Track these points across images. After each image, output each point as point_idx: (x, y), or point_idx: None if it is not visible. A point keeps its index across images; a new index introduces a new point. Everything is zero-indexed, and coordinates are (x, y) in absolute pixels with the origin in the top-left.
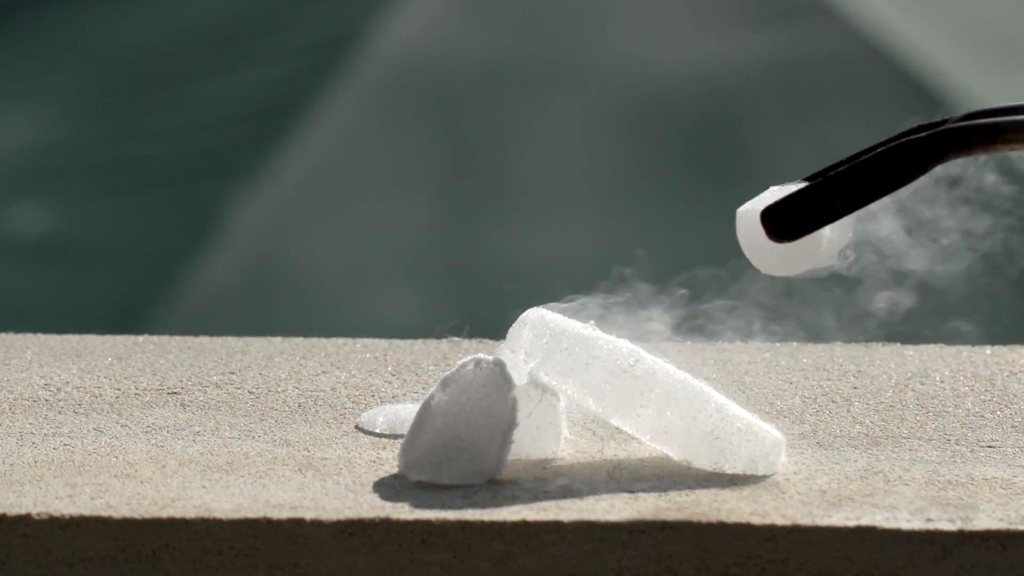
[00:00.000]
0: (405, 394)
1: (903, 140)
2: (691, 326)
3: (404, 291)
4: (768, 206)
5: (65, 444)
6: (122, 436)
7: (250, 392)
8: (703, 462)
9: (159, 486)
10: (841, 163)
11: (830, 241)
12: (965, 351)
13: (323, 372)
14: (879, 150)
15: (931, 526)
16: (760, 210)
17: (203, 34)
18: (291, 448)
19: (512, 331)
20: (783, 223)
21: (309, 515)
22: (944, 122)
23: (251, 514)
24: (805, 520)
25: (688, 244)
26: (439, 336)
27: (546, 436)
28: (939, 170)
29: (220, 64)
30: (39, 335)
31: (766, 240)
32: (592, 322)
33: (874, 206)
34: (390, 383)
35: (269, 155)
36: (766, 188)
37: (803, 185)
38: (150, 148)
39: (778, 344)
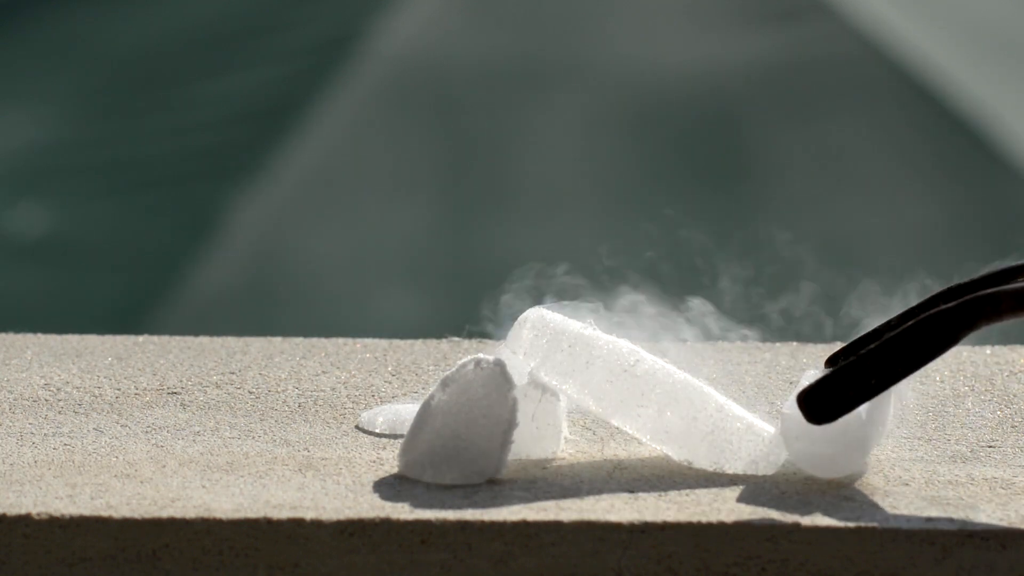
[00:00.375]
0: (405, 394)
1: (931, 312)
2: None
3: (404, 291)
4: (804, 389)
5: (65, 444)
6: (122, 436)
7: (250, 392)
8: (703, 462)
9: (159, 486)
10: (867, 336)
11: (868, 434)
12: (965, 351)
13: (323, 372)
14: (908, 324)
15: (931, 526)
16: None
17: (203, 34)
18: (291, 448)
19: (512, 331)
20: (820, 405)
21: (309, 515)
22: (966, 285)
23: (251, 514)
24: (805, 520)
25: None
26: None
27: (546, 436)
28: None
29: (220, 64)
30: (39, 335)
31: (814, 444)
32: (592, 322)
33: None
34: (390, 383)
35: (269, 155)
36: (766, 188)
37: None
38: (150, 148)
39: (778, 344)
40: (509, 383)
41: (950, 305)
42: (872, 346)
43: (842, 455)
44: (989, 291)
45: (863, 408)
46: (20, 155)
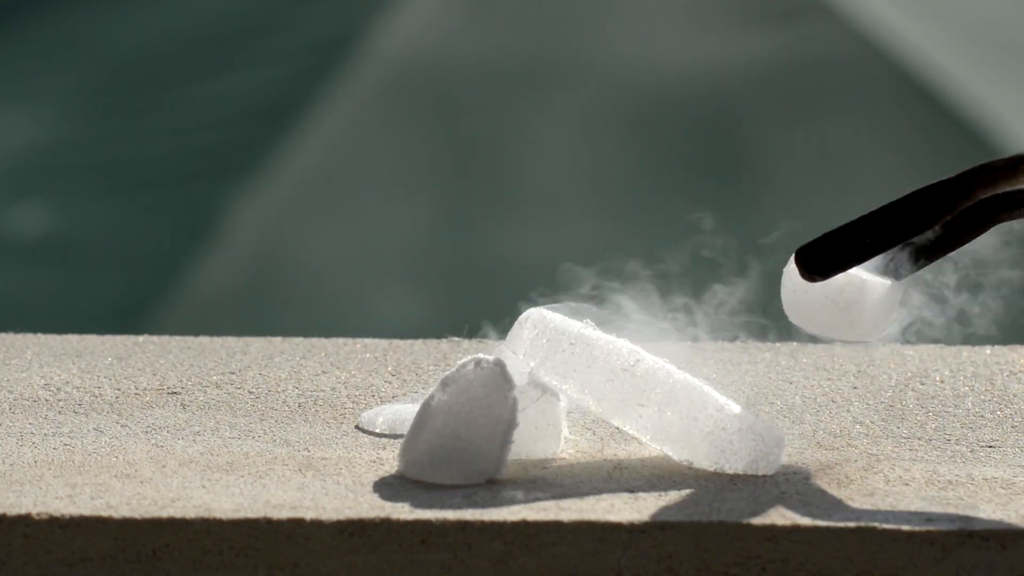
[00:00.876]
0: (405, 394)
1: (931, 183)
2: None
3: (404, 291)
4: (803, 245)
5: (65, 444)
6: (122, 436)
7: (250, 392)
8: (703, 462)
9: (159, 486)
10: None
11: (874, 314)
12: (965, 351)
13: (323, 372)
14: (909, 193)
15: (931, 526)
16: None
17: (203, 34)
18: (291, 448)
19: (512, 331)
20: (815, 260)
21: (309, 515)
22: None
23: (251, 514)
24: (805, 520)
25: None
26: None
27: (546, 436)
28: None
29: (220, 64)
30: (39, 335)
31: (809, 298)
32: (591, 322)
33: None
34: (390, 383)
35: (269, 155)
36: (765, 187)
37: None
38: (150, 148)
39: (778, 344)
40: (509, 383)
41: (950, 176)
42: (872, 210)
43: (838, 316)
44: (987, 162)
45: (864, 276)
46: (20, 155)
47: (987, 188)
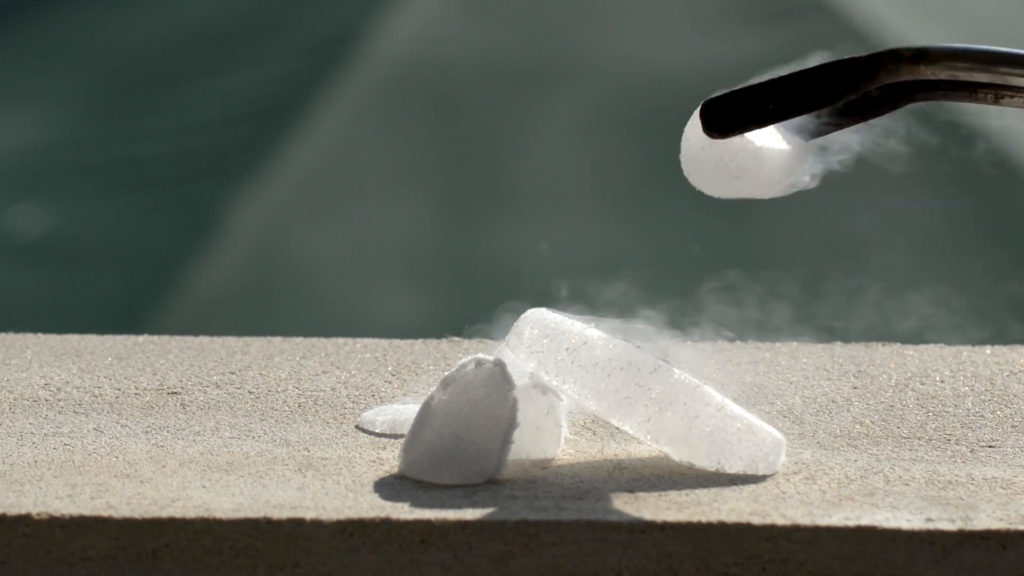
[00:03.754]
0: (405, 394)
1: (841, 58)
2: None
3: (404, 291)
4: (707, 100)
5: (65, 444)
6: (122, 436)
7: (250, 392)
8: (703, 462)
9: (159, 486)
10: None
11: (768, 178)
12: (965, 351)
13: (323, 372)
14: (817, 64)
15: (931, 526)
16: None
17: (203, 34)
18: (291, 448)
19: (512, 331)
20: (717, 117)
21: (309, 515)
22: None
23: (251, 514)
24: (805, 520)
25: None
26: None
27: (546, 436)
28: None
29: (220, 64)
30: (39, 335)
31: (709, 155)
32: (592, 322)
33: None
34: (390, 383)
35: (269, 155)
36: None
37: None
38: (150, 148)
39: (778, 344)
40: (509, 383)
41: (858, 55)
42: (780, 76)
43: (729, 180)
44: (895, 48)
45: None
46: (20, 155)
47: (891, 75)
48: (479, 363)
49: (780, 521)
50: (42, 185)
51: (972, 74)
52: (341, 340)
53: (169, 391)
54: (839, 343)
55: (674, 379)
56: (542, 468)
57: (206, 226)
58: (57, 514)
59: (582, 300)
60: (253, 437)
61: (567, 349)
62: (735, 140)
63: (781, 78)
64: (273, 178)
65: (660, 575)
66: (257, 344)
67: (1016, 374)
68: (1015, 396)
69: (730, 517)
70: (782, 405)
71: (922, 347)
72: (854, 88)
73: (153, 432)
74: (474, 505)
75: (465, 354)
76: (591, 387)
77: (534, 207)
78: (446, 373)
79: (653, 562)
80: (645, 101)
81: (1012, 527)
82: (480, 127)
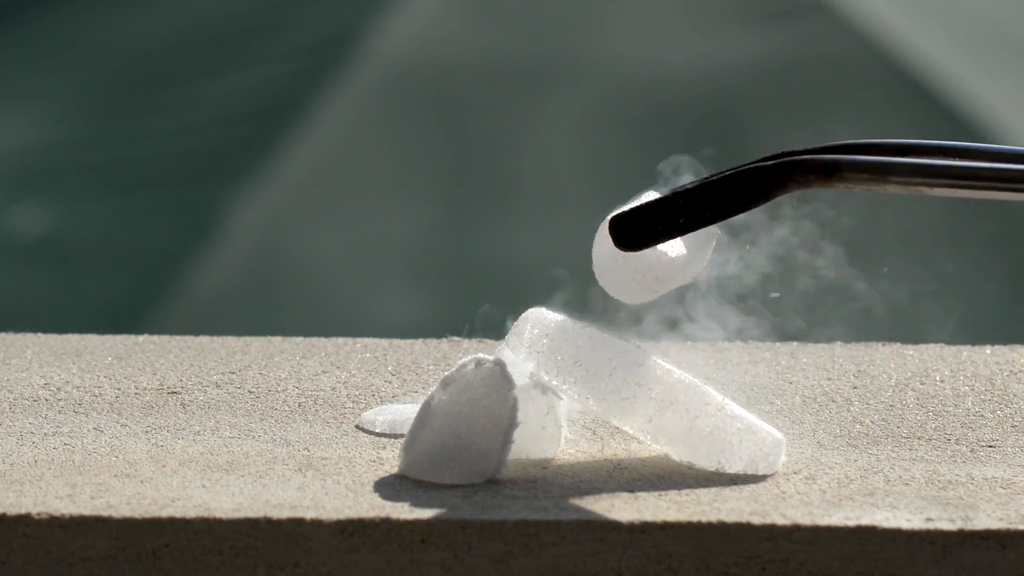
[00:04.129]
0: (405, 394)
1: (749, 165)
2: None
3: (404, 291)
4: (616, 215)
5: (65, 444)
6: (122, 436)
7: (250, 392)
8: (703, 462)
9: (159, 486)
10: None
11: (682, 280)
12: (965, 351)
13: (323, 372)
14: (725, 172)
15: (931, 526)
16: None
17: (203, 34)
18: (291, 448)
19: (512, 331)
20: (628, 233)
21: (309, 515)
22: (792, 154)
23: (251, 514)
24: (805, 520)
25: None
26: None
27: (546, 436)
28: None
29: (220, 64)
30: (39, 335)
31: (617, 262)
32: (592, 322)
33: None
34: (390, 383)
35: (269, 155)
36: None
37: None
38: (150, 148)
39: (778, 344)
40: (509, 383)
41: (768, 162)
42: (688, 186)
43: (645, 290)
44: (804, 156)
45: (672, 251)
46: (20, 155)
47: (800, 186)
48: (479, 363)
49: (780, 521)
50: (42, 185)
51: (886, 187)
52: (341, 340)
53: (169, 391)
54: (839, 343)
55: (674, 379)
56: (542, 468)
57: (206, 226)
58: (57, 514)
59: (582, 300)
60: (253, 437)
61: (567, 349)
62: (648, 252)
63: (689, 190)
64: (273, 178)
65: (660, 575)
66: (257, 344)
67: (1016, 374)
68: (1015, 396)
69: (730, 517)
70: (782, 405)
71: (922, 347)
72: (764, 198)
73: (153, 432)
74: (474, 505)
75: (465, 354)
76: (591, 387)
77: (534, 207)
78: (446, 373)
79: (653, 562)
80: (645, 101)
81: (1012, 527)
82: (480, 127)
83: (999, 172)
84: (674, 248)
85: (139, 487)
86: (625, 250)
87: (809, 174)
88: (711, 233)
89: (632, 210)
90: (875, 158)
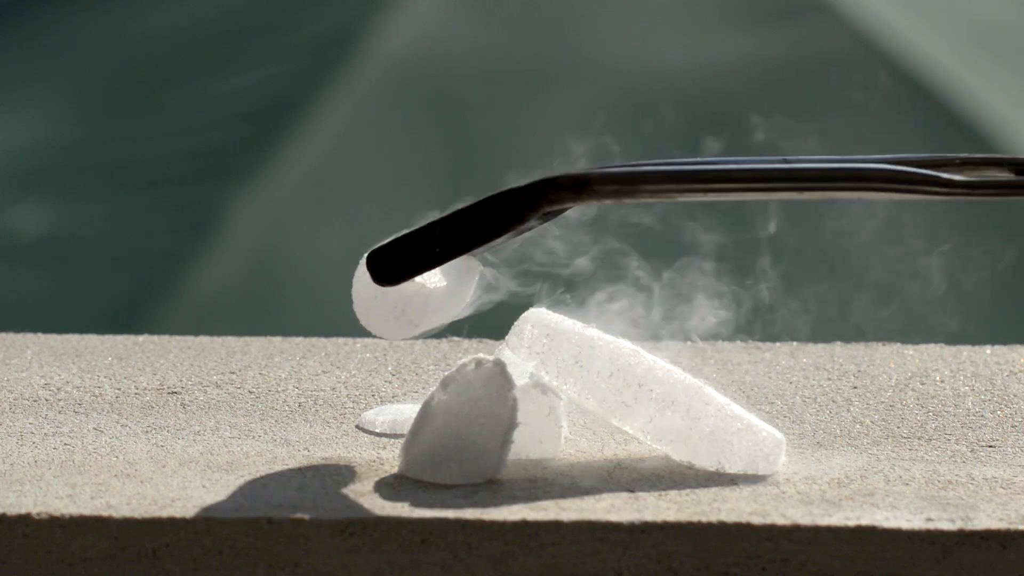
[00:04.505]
0: (405, 394)
1: (501, 190)
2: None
3: None
4: (373, 250)
5: (65, 444)
6: (122, 436)
7: (250, 392)
8: (704, 462)
9: (159, 486)
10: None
11: (443, 316)
12: (965, 351)
13: (323, 372)
14: (479, 199)
15: (931, 526)
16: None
17: (203, 34)
18: (291, 448)
19: (512, 331)
20: (385, 268)
21: (309, 515)
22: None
23: (251, 514)
24: (805, 520)
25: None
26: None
27: (546, 436)
28: None
29: (220, 64)
30: (39, 335)
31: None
32: (592, 322)
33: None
34: (390, 383)
35: (269, 155)
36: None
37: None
38: (150, 148)
39: (778, 344)
40: (509, 383)
41: (520, 184)
42: (442, 216)
43: (406, 327)
44: (554, 175)
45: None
46: (20, 155)
47: (553, 204)
48: (479, 363)
49: (780, 521)
50: (42, 185)
51: (639, 197)
52: (341, 340)
53: (169, 391)
54: (839, 343)
55: (674, 379)
56: (542, 468)
57: (206, 226)
58: (57, 514)
59: (582, 300)
60: (253, 437)
61: (567, 349)
62: (406, 286)
63: (444, 219)
64: (273, 178)
65: (660, 575)
66: (257, 344)
67: (1016, 374)
68: (1015, 396)
69: (730, 517)
70: (782, 405)
71: (922, 347)
72: (519, 220)
73: (153, 432)
74: (474, 505)
75: (465, 354)
76: (591, 387)
77: None
78: (446, 373)
79: (653, 562)
80: (645, 101)
81: (1012, 527)
82: (480, 127)
83: (751, 172)
84: (433, 281)
85: (139, 487)
86: (383, 285)
87: (560, 191)
88: (471, 266)
89: (388, 244)
90: (623, 169)
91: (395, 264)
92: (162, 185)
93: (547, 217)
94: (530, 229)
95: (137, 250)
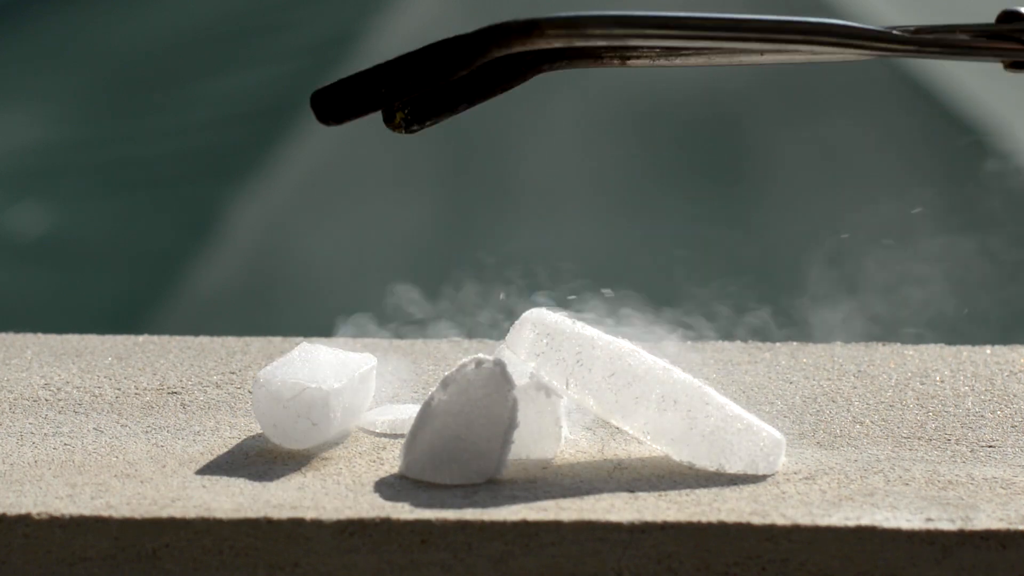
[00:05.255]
0: (405, 394)
1: (451, 36)
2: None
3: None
4: (316, 90)
5: (65, 444)
6: (122, 436)
7: (250, 392)
8: (704, 462)
9: (159, 486)
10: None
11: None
12: (965, 351)
13: None
14: (428, 44)
15: (931, 526)
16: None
17: (203, 34)
18: (291, 448)
19: (512, 331)
20: (329, 106)
21: (309, 515)
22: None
23: (251, 514)
24: (805, 520)
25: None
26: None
27: (546, 436)
28: None
29: (220, 64)
30: (39, 335)
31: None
32: (592, 322)
33: None
34: (390, 383)
35: (269, 155)
36: (764, 186)
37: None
38: (150, 148)
39: (778, 344)
40: (509, 383)
41: (467, 32)
42: (390, 59)
43: (306, 431)
44: (503, 22)
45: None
46: (20, 155)
47: (502, 48)
48: (479, 363)
49: (780, 521)
50: (42, 185)
51: (590, 40)
52: (341, 340)
53: (169, 391)
54: (839, 343)
55: (674, 379)
56: (542, 468)
57: (206, 226)
58: (57, 514)
59: (582, 300)
60: (253, 437)
61: (567, 349)
62: (305, 392)
63: (391, 61)
64: (273, 178)
65: (660, 575)
66: (257, 344)
67: (1016, 374)
68: (1015, 396)
69: (730, 517)
70: (782, 405)
71: (922, 347)
72: (466, 64)
73: (153, 432)
74: (474, 505)
75: (465, 354)
76: (591, 387)
77: (534, 207)
78: (446, 373)
79: (653, 562)
80: (645, 101)
81: (1012, 527)
82: (480, 126)
83: (701, 20)
84: (329, 383)
85: (139, 487)
86: (327, 124)
87: (509, 35)
88: (368, 359)
89: (333, 84)
90: (574, 12)
91: (339, 103)
92: (162, 185)
93: (508, 81)
94: (502, 89)
95: (137, 250)
